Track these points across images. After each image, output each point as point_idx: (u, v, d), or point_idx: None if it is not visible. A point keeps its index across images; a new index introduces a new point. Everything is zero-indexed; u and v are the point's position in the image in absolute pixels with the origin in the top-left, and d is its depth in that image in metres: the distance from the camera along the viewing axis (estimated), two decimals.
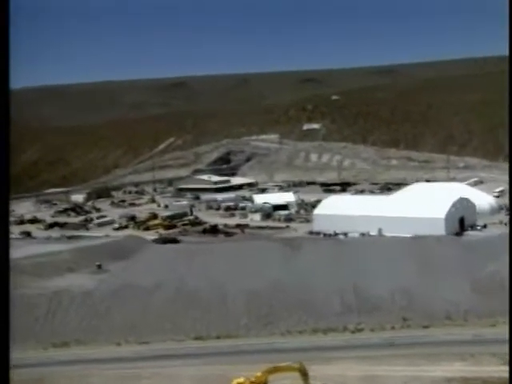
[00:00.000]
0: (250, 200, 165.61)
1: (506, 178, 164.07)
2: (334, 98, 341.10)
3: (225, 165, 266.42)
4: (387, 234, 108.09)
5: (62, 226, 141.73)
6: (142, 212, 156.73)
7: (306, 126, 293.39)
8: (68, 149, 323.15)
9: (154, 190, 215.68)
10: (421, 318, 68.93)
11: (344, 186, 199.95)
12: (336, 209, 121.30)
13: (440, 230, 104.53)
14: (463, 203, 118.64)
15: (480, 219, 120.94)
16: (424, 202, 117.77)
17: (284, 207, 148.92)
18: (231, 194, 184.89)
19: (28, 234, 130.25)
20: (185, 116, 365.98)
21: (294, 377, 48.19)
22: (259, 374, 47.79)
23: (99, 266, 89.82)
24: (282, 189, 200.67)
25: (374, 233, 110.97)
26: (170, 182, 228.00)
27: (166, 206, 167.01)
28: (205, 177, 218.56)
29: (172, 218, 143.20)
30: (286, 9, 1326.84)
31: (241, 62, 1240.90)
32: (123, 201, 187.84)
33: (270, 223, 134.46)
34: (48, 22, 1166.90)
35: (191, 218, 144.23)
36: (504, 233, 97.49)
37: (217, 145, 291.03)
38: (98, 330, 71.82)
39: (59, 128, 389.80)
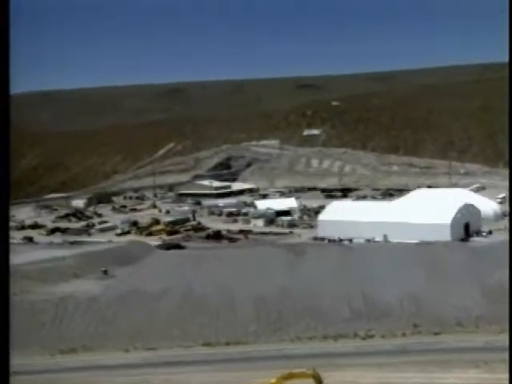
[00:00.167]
0: (252, 206, 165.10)
1: (507, 184, 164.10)
2: (334, 103, 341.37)
3: (225, 170, 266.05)
4: (392, 239, 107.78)
5: (63, 231, 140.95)
6: (143, 217, 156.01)
7: (306, 132, 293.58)
8: (67, 154, 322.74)
9: (155, 195, 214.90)
10: (431, 325, 68.38)
11: (345, 192, 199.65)
12: (340, 215, 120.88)
13: (446, 236, 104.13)
14: (468, 209, 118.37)
15: (484, 225, 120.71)
16: (429, 208, 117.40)
17: (287, 213, 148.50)
18: (233, 200, 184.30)
19: (30, 240, 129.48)
20: (184, 121, 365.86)
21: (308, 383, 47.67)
22: (273, 380, 47.13)
23: (105, 272, 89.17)
24: (283, 194, 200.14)
25: (379, 239, 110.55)
26: (171, 187, 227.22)
27: (168, 212, 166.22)
28: (206, 182, 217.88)
29: (174, 223, 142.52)
30: (282, 15, 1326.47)
31: (236, 67, 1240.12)
32: (124, 206, 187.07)
33: (273, 229, 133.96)
34: (46, 27, 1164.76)
35: (194, 223, 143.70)
36: None
37: (217, 150, 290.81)
38: (105, 336, 71.16)
39: (58, 133, 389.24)
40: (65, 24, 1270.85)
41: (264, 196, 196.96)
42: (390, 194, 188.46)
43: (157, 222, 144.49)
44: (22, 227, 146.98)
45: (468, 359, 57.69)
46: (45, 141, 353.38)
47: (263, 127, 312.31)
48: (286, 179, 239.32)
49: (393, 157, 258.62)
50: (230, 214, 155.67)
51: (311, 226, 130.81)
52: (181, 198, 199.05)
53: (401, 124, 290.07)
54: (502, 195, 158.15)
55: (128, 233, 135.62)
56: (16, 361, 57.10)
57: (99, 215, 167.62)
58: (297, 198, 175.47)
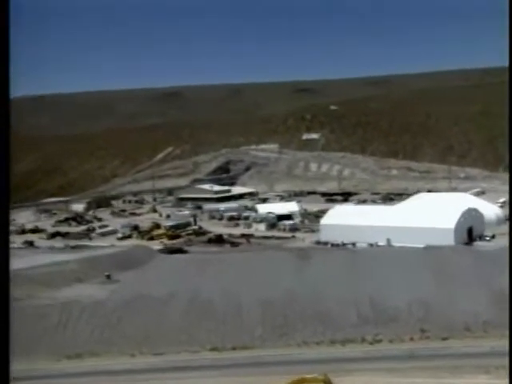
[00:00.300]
0: (253, 210, 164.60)
1: (507, 188, 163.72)
2: (333, 108, 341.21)
3: (224, 174, 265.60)
4: (396, 244, 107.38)
5: (64, 235, 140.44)
6: (143, 221, 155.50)
7: (305, 136, 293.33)
8: (65, 158, 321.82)
9: (154, 199, 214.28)
10: (439, 330, 67.96)
11: (345, 196, 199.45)
12: (343, 219, 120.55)
13: (449, 241, 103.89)
14: (471, 213, 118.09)
15: (487, 229, 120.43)
16: (432, 212, 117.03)
17: (288, 217, 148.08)
18: (233, 204, 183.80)
19: (31, 244, 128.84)
20: (181, 126, 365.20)
21: None
22: None
23: (108, 276, 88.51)
24: (283, 199, 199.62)
25: (382, 243, 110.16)
26: (170, 191, 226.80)
27: (168, 216, 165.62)
28: (206, 186, 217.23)
29: (176, 227, 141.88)
30: (278, 19, 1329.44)
31: (233, 71, 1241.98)
32: (123, 210, 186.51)
33: (275, 233, 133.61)
34: (43, 32, 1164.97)
35: (195, 227, 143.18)
36: None
37: (215, 154, 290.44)
38: (110, 341, 70.54)
39: (56, 137, 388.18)
40: (64, 28, 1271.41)
41: (264, 200, 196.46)
42: (390, 198, 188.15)
43: (157, 226, 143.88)
44: (23, 231, 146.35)
45: (479, 364, 57.32)
46: (42, 145, 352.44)
47: (262, 131, 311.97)
48: (285, 183, 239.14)
49: (391, 161, 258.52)
50: (231, 219, 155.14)
51: (313, 230, 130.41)
52: (181, 202, 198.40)
53: (399, 128, 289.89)
54: (502, 199, 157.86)
55: (129, 237, 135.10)
56: (21, 366, 56.69)
57: (99, 219, 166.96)
58: (297, 202, 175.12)
